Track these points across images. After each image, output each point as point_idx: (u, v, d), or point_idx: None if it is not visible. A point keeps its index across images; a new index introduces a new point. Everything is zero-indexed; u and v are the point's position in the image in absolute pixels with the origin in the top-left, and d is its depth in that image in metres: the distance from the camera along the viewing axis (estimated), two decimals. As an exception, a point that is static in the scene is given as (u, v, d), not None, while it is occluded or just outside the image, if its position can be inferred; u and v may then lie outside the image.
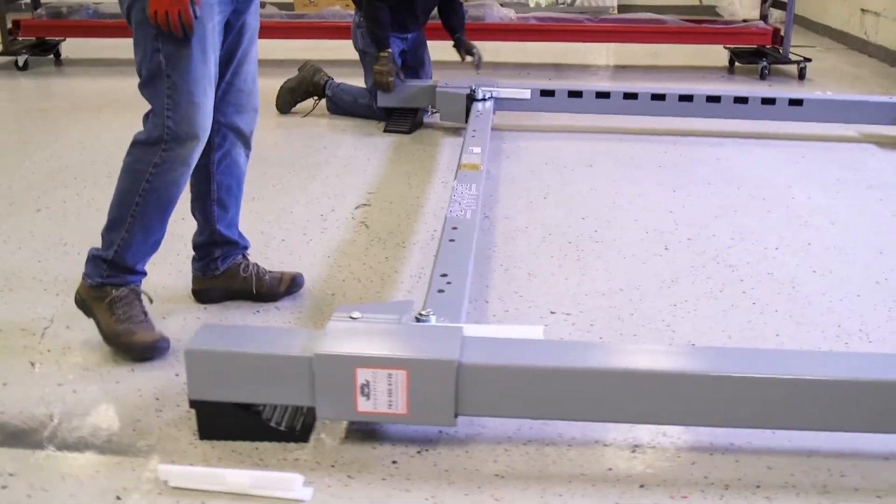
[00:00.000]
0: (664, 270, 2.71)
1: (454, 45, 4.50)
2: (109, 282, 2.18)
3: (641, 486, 1.71)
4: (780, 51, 5.68)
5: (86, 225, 3.01)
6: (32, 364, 2.15)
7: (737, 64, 5.97)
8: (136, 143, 2.11)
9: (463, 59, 4.55)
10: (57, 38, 6.14)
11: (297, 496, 1.66)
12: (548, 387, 1.71)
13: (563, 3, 8.57)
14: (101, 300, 2.18)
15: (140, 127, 2.11)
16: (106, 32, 5.92)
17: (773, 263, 2.77)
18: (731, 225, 3.09)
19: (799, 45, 6.17)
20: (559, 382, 1.71)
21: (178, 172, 2.11)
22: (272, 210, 3.20)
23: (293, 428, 1.85)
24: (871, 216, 3.21)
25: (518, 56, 6.32)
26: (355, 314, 1.86)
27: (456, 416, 1.75)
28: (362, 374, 1.71)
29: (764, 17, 6.12)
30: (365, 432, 1.88)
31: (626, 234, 3.01)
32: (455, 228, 2.54)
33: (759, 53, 5.81)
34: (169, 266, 2.67)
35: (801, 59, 5.62)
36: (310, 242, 2.92)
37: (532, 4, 8.46)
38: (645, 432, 1.87)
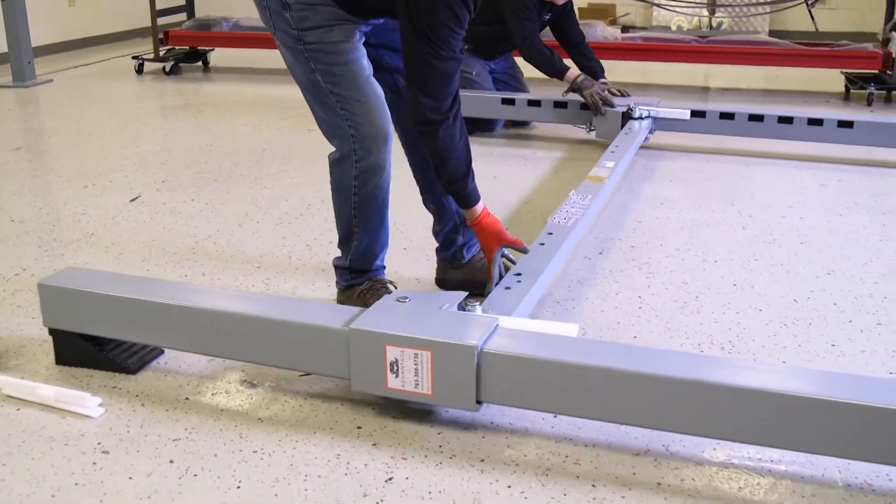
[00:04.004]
0: (580, 271, 2.74)
1: None
2: (354, 283, 2.41)
3: (374, 444, 1.82)
4: (891, 76, 5.30)
5: (106, 201, 3.49)
6: (-16, 298, 2.59)
7: (851, 90, 5.63)
8: (333, 164, 2.28)
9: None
10: (206, 48, 6.91)
11: (88, 412, 1.94)
12: (558, 381, 1.74)
13: (707, 28, 8.36)
14: (352, 297, 2.39)
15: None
16: (245, 43, 6.64)
17: (696, 274, 2.71)
18: (689, 238, 3.03)
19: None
20: (569, 377, 1.73)
21: (378, 177, 2.25)
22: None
23: (127, 362, 2.13)
24: (852, 241, 3.02)
25: (634, 77, 6.30)
26: (403, 298, 1.96)
27: (479, 402, 1.80)
28: (391, 352, 1.81)
29: (885, 42, 5.72)
30: (188, 374, 2.12)
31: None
32: (550, 234, 2.58)
33: (877, 80, 5.45)
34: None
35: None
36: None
37: (674, 28, 8.33)
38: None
